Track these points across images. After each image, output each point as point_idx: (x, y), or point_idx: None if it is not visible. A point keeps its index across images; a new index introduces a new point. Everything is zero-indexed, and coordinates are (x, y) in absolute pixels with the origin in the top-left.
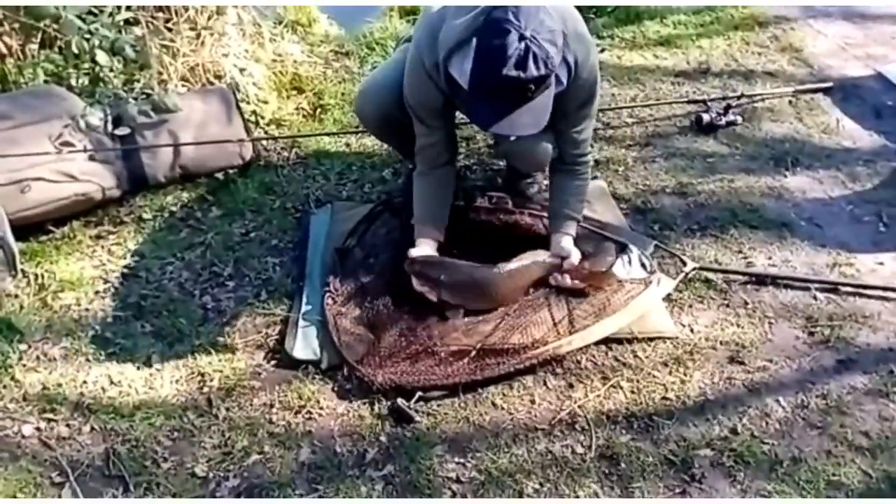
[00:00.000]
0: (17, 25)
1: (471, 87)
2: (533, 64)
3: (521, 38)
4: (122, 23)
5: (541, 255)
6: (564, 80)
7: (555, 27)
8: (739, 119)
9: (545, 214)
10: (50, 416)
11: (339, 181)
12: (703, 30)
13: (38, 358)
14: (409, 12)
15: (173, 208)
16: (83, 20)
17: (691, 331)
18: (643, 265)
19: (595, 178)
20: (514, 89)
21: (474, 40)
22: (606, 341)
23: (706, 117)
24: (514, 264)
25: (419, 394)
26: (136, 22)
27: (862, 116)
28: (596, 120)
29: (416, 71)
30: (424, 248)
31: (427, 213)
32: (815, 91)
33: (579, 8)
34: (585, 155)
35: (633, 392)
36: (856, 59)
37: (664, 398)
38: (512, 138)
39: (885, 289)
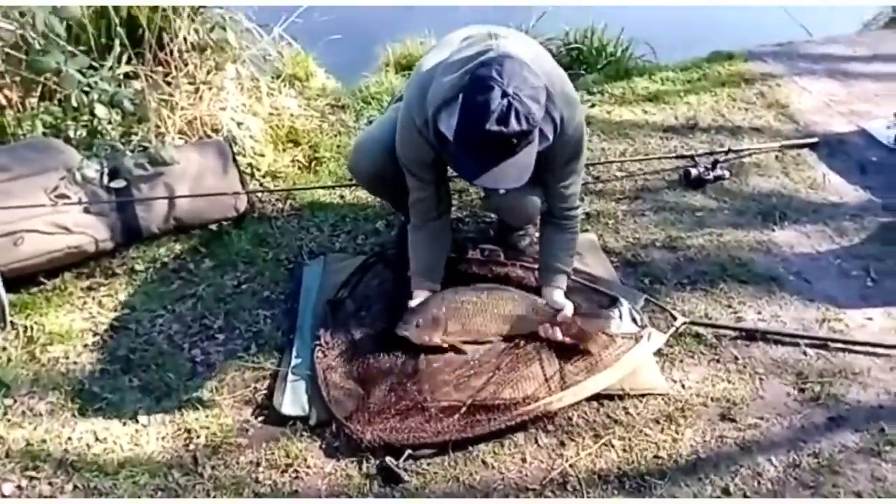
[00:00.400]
0: (17, 78)
1: (456, 141)
2: (515, 119)
3: (504, 94)
4: (122, 76)
5: (538, 300)
6: (550, 136)
7: (537, 84)
8: (727, 174)
9: (537, 267)
10: (32, 473)
11: (332, 233)
12: (690, 86)
13: (23, 413)
14: (404, 67)
15: (166, 260)
16: (83, 74)
17: (682, 386)
18: (634, 319)
19: (586, 230)
20: (497, 143)
21: (460, 97)
22: (598, 397)
23: (694, 172)
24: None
25: (408, 452)
26: (136, 76)
27: (847, 171)
28: (587, 174)
29: (408, 128)
30: (421, 298)
31: (422, 265)
32: (802, 146)
33: (572, 64)
34: (574, 209)
35: (624, 450)
36: (840, 115)
37: (656, 457)
38: (501, 191)
39: (874, 345)
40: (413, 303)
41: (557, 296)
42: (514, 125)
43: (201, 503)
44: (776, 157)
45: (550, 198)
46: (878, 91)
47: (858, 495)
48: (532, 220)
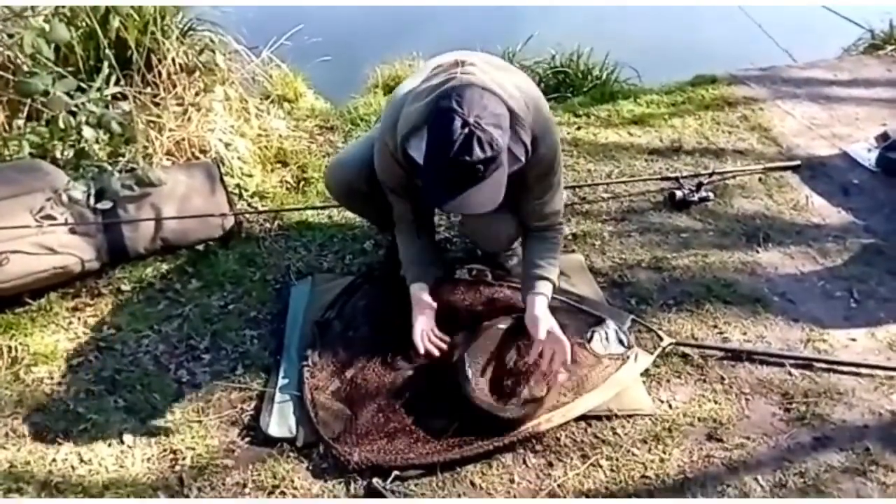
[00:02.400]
0: (4, 99)
1: (424, 170)
2: (478, 147)
3: (465, 123)
4: (110, 98)
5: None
6: (522, 157)
7: (499, 111)
8: (711, 195)
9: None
10: (16, 495)
11: (320, 253)
12: (674, 109)
13: (6, 434)
14: (392, 89)
15: (152, 280)
16: (71, 96)
17: (669, 406)
18: (620, 340)
19: (572, 251)
20: (462, 171)
21: (425, 127)
22: (585, 417)
23: (679, 193)
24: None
25: (395, 473)
26: (124, 97)
27: (830, 194)
28: (573, 195)
29: (382, 151)
30: (422, 321)
31: (416, 259)
32: (784, 169)
33: (558, 87)
34: (554, 226)
35: (612, 470)
36: (822, 138)
37: (643, 476)
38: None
39: (858, 365)
40: (416, 332)
41: (539, 306)
42: (477, 153)
43: (194, 503)
44: (759, 179)
45: (526, 216)
46: (858, 114)
47: None
48: (503, 246)
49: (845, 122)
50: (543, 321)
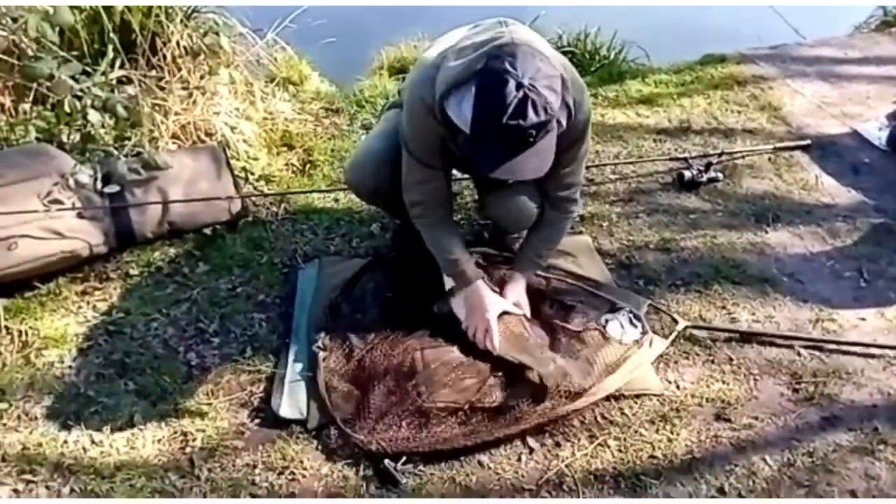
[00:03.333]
0: (10, 84)
1: (472, 135)
2: (532, 111)
3: (519, 86)
4: (115, 82)
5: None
6: (564, 123)
7: (552, 73)
8: (720, 176)
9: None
10: (29, 477)
11: (327, 236)
12: (683, 89)
13: (18, 417)
14: (398, 71)
15: (160, 264)
16: (76, 80)
17: (677, 387)
18: (634, 325)
19: (580, 233)
20: (514, 136)
21: (473, 88)
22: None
23: (688, 174)
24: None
25: (405, 456)
26: (129, 81)
27: (840, 173)
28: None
29: (417, 113)
30: (495, 302)
31: (456, 253)
32: (794, 148)
33: None
34: (571, 201)
35: (620, 451)
36: (832, 117)
37: (651, 457)
38: (510, 181)
39: (867, 345)
40: (491, 315)
41: (517, 290)
42: (532, 117)
43: (196, 503)
44: (769, 159)
45: (552, 187)
46: (869, 93)
47: (853, 493)
48: (528, 225)
49: (856, 101)
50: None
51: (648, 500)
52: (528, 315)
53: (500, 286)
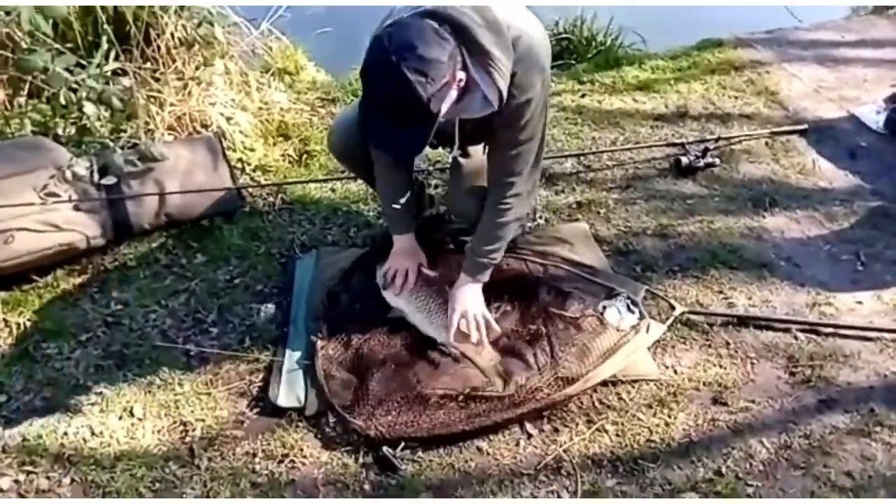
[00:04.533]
0: (5, 77)
1: (362, 97)
2: (398, 87)
3: (387, 61)
4: (109, 73)
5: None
6: (495, 103)
7: (432, 56)
8: (717, 161)
9: (529, 257)
10: (29, 468)
11: (324, 226)
12: (680, 74)
13: (18, 409)
14: None
15: (158, 255)
16: (71, 72)
17: (674, 372)
18: (631, 310)
19: (577, 219)
20: (381, 106)
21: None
22: None
23: (685, 160)
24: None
25: (404, 442)
26: (124, 73)
27: (837, 157)
28: (577, 163)
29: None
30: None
31: (396, 198)
32: (791, 133)
33: (562, 54)
34: (508, 186)
35: (618, 435)
36: (830, 101)
37: (649, 441)
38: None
39: (863, 328)
40: (391, 256)
41: (462, 292)
42: (395, 94)
43: (196, 503)
44: (766, 143)
45: (491, 169)
46: (866, 76)
47: (849, 475)
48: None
49: (853, 85)
50: (461, 304)
51: (648, 501)
52: (483, 321)
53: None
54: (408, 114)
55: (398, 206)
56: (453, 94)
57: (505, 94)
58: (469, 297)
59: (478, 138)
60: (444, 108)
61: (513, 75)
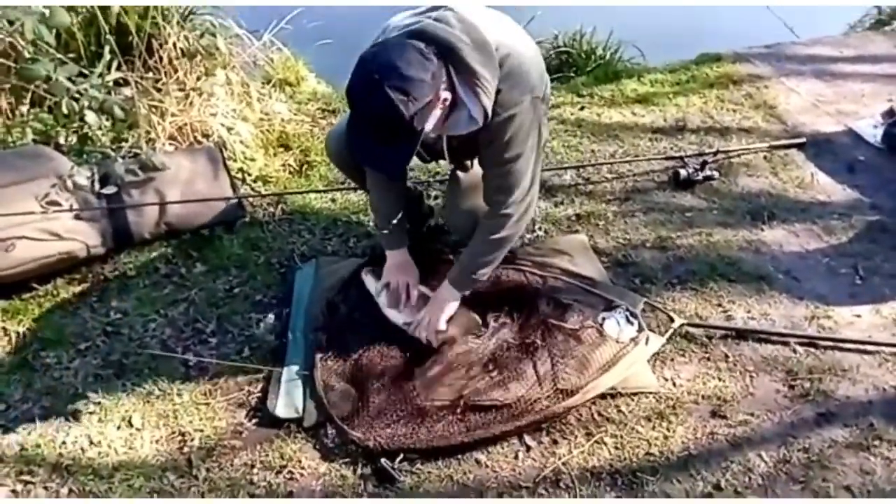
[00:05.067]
0: (7, 86)
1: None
2: (379, 105)
3: (370, 79)
4: (111, 83)
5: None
6: (480, 120)
7: (414, 75)
8: (716, 174)
9: (528, 269)
10: (27, 477)
11: (324, 236)
12: (679, 88)
13: (17, 418)
14: None
15: (158, 265)
16: (73, 81)
17: (674, 384)
18: (630, 322)
19: (576, 231)
20: (361, 123)
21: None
22: None
23: (683, 173)
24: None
25: (403, 453)
26: (126, 82)
27: (835, 171)
28: (577, 175)
29: None
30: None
31: (385, 218)
32: (790, 146)
33: (561, 68)
34: (502, 205)
35: (617, 448)
36: (828, 115)
37: (648, 454)
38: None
39: (862, 342)
40: (385, 271)
41: (440, 300)
42: (374, 113)
43: (196, 503)
44: (765, 157)
45: (485, 185)
46: (864, 91)
47: (848, 489)
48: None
49: (851, 99)
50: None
51: (645, 501)
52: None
53: (498, 284)
54: (391, 131)
55: (391, 223)
56: (438, 112)
57: (490, 111)
58: (438, 304)
59: (466, 154)
60: (429, 126)
61: (497, 92)
